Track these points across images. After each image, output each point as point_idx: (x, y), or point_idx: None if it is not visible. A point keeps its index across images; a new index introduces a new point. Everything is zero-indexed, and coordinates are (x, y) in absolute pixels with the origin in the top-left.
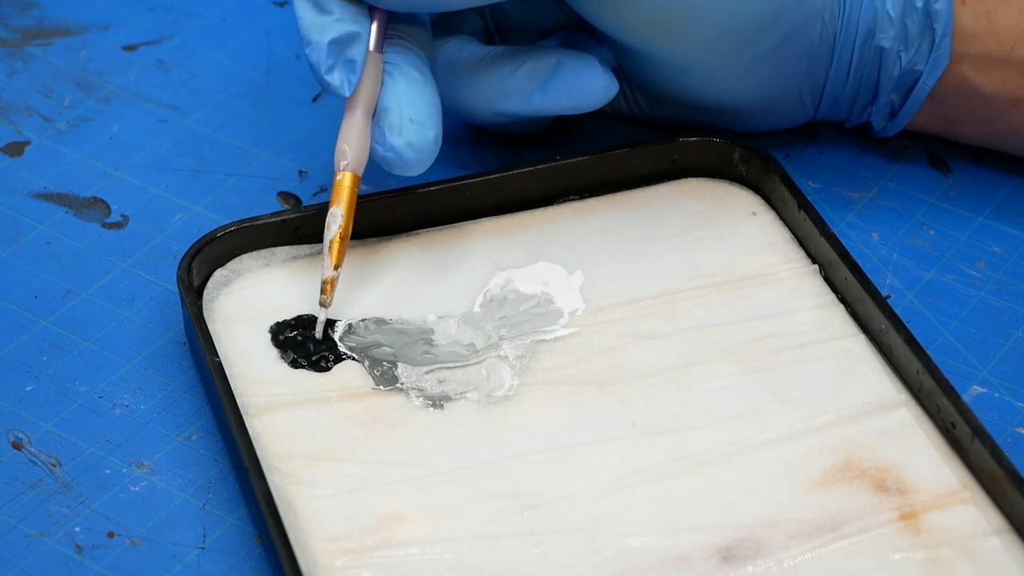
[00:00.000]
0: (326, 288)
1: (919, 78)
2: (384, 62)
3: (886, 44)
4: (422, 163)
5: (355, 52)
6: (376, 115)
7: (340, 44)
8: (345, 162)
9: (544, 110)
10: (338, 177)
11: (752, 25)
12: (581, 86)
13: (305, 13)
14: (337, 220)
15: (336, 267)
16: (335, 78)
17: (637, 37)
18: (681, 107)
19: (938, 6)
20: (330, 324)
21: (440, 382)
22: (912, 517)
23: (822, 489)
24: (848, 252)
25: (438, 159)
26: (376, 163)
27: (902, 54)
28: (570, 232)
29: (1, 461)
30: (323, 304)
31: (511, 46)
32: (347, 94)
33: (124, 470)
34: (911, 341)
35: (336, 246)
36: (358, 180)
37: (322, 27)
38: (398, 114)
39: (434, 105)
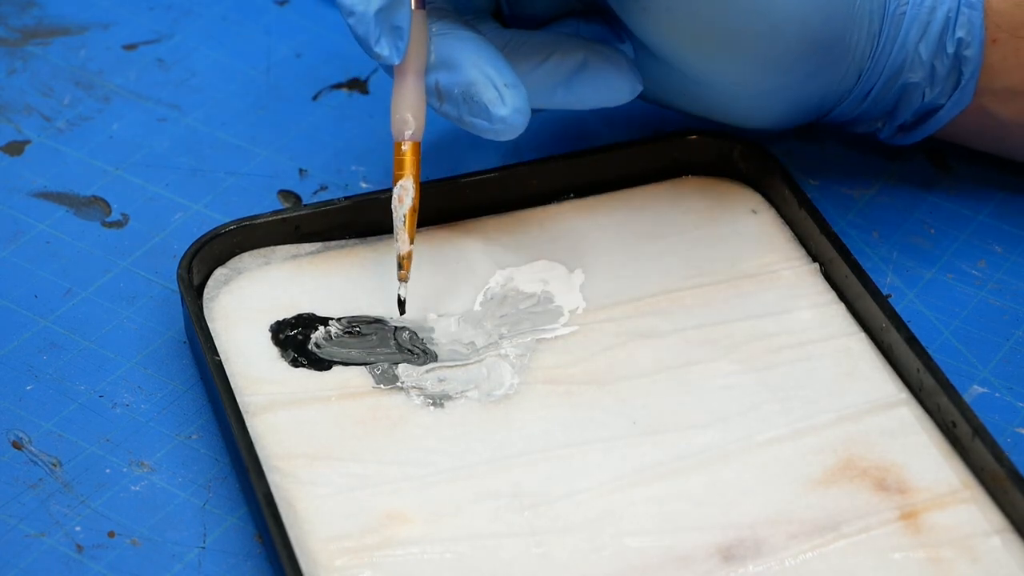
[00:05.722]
0: (404, 263)
1: (939, 110)
2: (437, 33)
3: (913, 80)
4: (526, 123)
5: (400, 18)
6: (462, 91)
7: (386, 11)
8: (410, 131)
9: (566, 105)
10: (404, 147)
11: (789, 54)
12: (608, 85)
13: None
14: (409, 192)
15: (412, 241)
16: (384, 48)
17: (675, 50)
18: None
19: (969, 52)
20: (326, 322)
21: (440, 381)
22: (912, 516)
23: (822, 488)
24: (848, 250)
25: (436, 157)
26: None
27: (927, 90)
28: (570, 230)
29: (1, 461)
30: (403, 279)
31: (532, 33)
32: (396, 62)
33: (124, 469)
34: (911, 340)
35: (410, 219)
36: (419, 148)
37: None
38: (489, 84)
39: (508, 64)
